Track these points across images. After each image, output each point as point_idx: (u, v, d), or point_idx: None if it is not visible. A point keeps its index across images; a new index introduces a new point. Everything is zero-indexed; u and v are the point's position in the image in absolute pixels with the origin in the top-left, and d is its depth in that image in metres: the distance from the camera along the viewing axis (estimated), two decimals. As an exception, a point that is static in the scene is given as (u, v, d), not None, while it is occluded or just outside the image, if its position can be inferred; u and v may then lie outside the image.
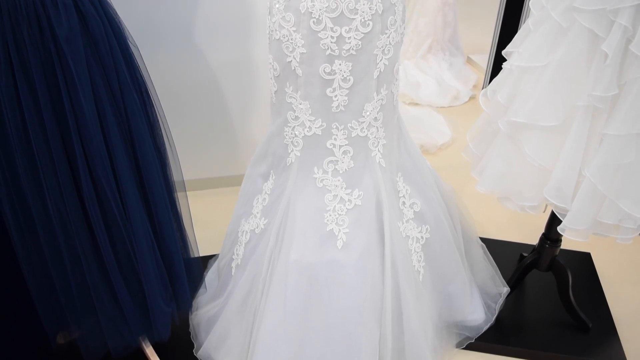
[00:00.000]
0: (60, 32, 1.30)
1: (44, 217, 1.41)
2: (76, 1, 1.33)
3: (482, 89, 3.59)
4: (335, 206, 1.54)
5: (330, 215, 1.54)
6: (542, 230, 1.91)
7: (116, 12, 1.46)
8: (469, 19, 4.73)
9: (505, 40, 3.31)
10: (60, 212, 1.41)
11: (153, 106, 1.54)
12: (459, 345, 1.86)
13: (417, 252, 1.69)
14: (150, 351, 1.76)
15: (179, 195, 1.67)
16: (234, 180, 2.65)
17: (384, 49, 1.42)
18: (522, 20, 3.06)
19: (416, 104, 3.48)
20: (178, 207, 1.66)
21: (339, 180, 1.53)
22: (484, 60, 3.71)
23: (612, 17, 1.38)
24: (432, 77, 3.65)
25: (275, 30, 1.43)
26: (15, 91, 1.32)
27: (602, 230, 1.58)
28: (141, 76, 1.50)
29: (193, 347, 1.80)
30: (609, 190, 1.47)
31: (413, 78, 3.62)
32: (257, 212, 1.65)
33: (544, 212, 1.71)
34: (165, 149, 1.60)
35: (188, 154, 2.51)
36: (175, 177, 1.65)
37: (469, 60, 4.11)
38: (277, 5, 1.40)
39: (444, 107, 3.48)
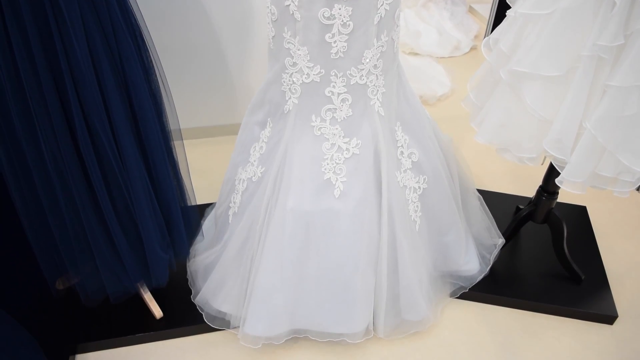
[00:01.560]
0: (50, -28, 1.25)
1: (39, 163, 1.40)
2: (68, -60, 1.27)
3: (484, 39, 3.53)
4: (333, 155, 1.53)
5: (327, 164, 1.53)
6: (539, 183, 1.91)
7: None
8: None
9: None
10: (55, 158, 1.40)
11: (148, 51, 1.50)
12: (453, 295, 1.89)
13: (414, 202, 1.69)
14: (148, 297, 1.78)
15: (176, 144, 1.66)
16: (231, 129, 2.62)
17: (385, -7, 1.37)
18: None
19: (416, 54, 3.42)
20: (175, 155, 1.65)
21: (337, 129, 1.51)
22: (487, 9, 3.63)
23: (622, -37, 1.34)
24: (433, 27, 3.58)
25: (274, -28, 1.38)
26: (5, 33, 1.28)
27: (600, 182, 1.58)
28: (135, 20, 1.46)
29: (191, 294, 1.83)
30: (609, 143, 1.46)
31: (413, 27, 3.55)
32: (254, 160, 1.64)
33: (542, 164, 1.70)
34: (160, 95, 1.57)
35: (184, 103, 2.48)
36: (171, 125, 1.63)
37: (471, 10, 4.02)
38: (275, -54, 1.35)
39: (444, 57, 3.42)
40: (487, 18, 3.52)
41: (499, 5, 3.34)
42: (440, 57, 3.41)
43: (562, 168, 1.55)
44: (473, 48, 3.57)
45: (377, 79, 1.48)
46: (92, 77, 1.36)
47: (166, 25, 2.20)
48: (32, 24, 1.28)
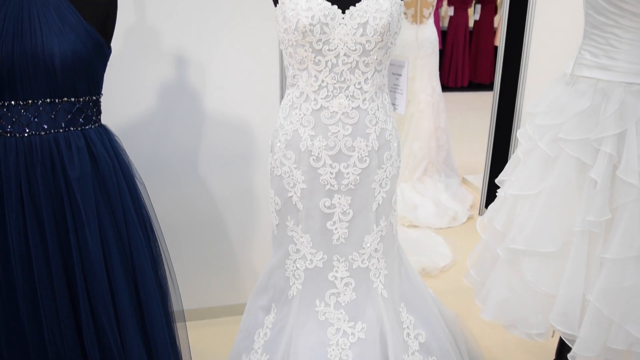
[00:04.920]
0: (72, 173, 1.36)
1: (41, 353, 1.39)
2: (89, 143, 1.41)
3: (479, 209, 3.65)
4: (338, 340, 1.51)
5: (333, 350, 1.50)
6: (553, 354, 1.86)
7: (125, 151, 1.54)
8: (462, 140, 4.93)
9: (498, 160, 3.43)
10: (57, 345, 1.39)
11: (157, 241, 1.57)
12: None
13: (425, 386, 1.64)
14: None
15: (178, 326, 1.65)
16: (235, 310, 2.60)
17: (381, 183, 1.47)
18: (512, 140, 3.18)
19: (415, 226, 3.52)
20: (177, 342, 1.64)
21: (341, 313, 1.52)
22: (479, 180, 3.81)
23: (597, 145, 1.46)
24: (429, 199, 3.72)
25: (277, 167, 1.49)
26: (23, 227, 1.36)
27: (614, 355, 1.54)
28: (146, 212, 1.54)
29: None
30: (614, 315, 1.45)
31: (410, 200, 3.69)
32: (259, 348, 1.62)
33: (552, 337, 1.67)
34: (166, 282, 1.61)
35: (189, 284, 2.49)
36: (174, 306, 1.64)
37: (464, 181, 4.22)
38: (278, 144, 1.48)
39: (442, 228, 3.51)
40: (481, 188, 3.69)
41: (490, 175, 3.53)
42: (439, 228, 3.50)
43: (573, 342, 1.52)
44: (470, 217, 3.68)
45: (379, 262, 1.52)
46: (102, 269, 1.41)
47: (171, 204, 2.30)
48: (50, 219, 1.36)
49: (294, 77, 1.43)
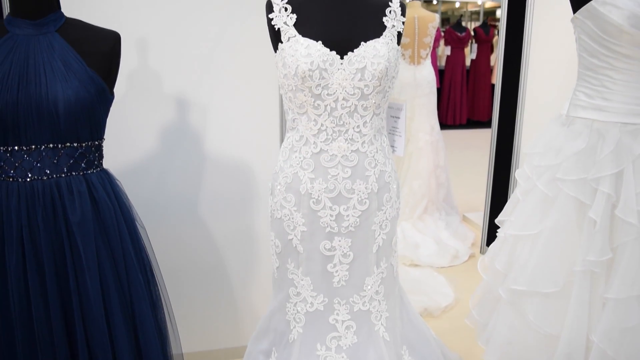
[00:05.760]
0: (73, 218, 1.37)
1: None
2: (90, 188, 1.42)
3: (480, 247, 3.64)
4: (340, 384, 1.49)
5: (335, 396, 1.48)
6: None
7: (126, 195, 1.55)
8: (461, 177, 4.95)
9: (498, 197, 3.44)
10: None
11: (157, 285, 1.57)
12: None
13: None
14: None
15: (179, 372, 1.64)
16: (236, 353, 2.57)
17: (381, 225, 1.48)
18: (511, 178, 3.19)
19: (416, 265, 3.50)
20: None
21: (342, 357, 1.50)
22: (479, 217, 3.80)
23: (595, 185, 1.46)
24: (430, 237, 3.71)
25: (277, 209, 1.50)
26: (23, 271, 1.36)
27: (623, 397, 1.52)
28: (147, 256, 1.54)
29: None
30: (619, 356, 1.43)
31: (411, 239, 3.68)
32: (260, 394, 1.60)
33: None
34: (166, 327, 1.60)
35: (189, 326, 2.47)
36: (174, 349, 1.62)
37: (464, 219, 4.22)
38: (278, 187, 1.49)
39: (444, 267, 3.49)
40: (481, 225, 3.68)
41: (491, 213, 3.53)
42: (440, 267, 3.48)
43: (579, 385, 1.50)
44: (472, 256, 3.66)
45: (380, 304, 1.52)
46: (101, 313, 1.40)
47: (171, 245, 2.30)
48: (50, 263, 1.36)
49: (293, 120, 1.45)
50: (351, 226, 1.44)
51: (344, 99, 1.37)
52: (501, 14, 3.23)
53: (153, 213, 2.20)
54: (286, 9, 1.40)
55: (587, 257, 1.45)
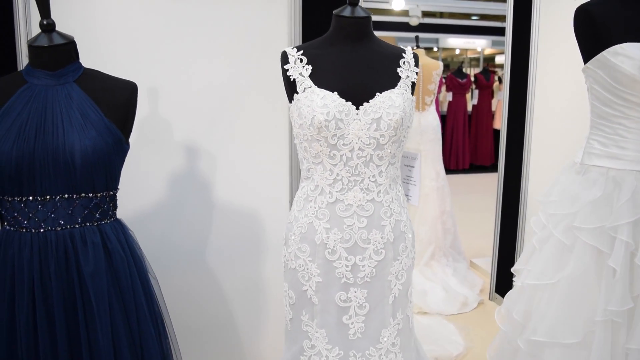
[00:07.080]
0: (86, 269, 1.35)
1: None
2: (104, 238, 1.40)
3: (489, 293, 3.59)
4: None
5: None
6: None
7: (139, 245, 1.53)
8: (467, 223, 4.92)
9: (505, 243, 3.40)
10: None
11: (168, 338, 1.54)
12: None
13: None
14: None
15: None
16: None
17: (397, 275, 1.46)
18: (519, 223, 3.16)
19: (425, 313, 3.44)
20: None
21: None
22: (487, 263, 3.76)
23: (613, 233, 1.45)
24: (438, 284, 3.66)
25: (291, 259, 1.48)
26: (33, 322, 1.33)
27: None
28: (158, 308, 1.52)
29: None
30: (643, 408, 1.39)
31: (419, 286, 3.63)
32: None
33: None
34: (177, 380, 1.56)
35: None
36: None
37: (472, 265, 4.17)
38: (292, 237, 1.47)
39: (453, 314, 3.43)
40: (490, 272, 3.64)
41: (499, 258, 3.49)
42: (450, 315, 3.42)
43: None
44: (480, 303, 3.60)
45: (396, 356, 1.48)
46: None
47: (180, 295, 2.26)
48: (61, 315, 1.33)
49: (308, 170, 1.44)
50: (367, 277, 1.42)
51: (359, 148, 1.37)
52: (505, 59, 3.29)
53: (161, 261, 2.18)
54: (301, 60, 1.42)
55: (607, 307, 1.42)
